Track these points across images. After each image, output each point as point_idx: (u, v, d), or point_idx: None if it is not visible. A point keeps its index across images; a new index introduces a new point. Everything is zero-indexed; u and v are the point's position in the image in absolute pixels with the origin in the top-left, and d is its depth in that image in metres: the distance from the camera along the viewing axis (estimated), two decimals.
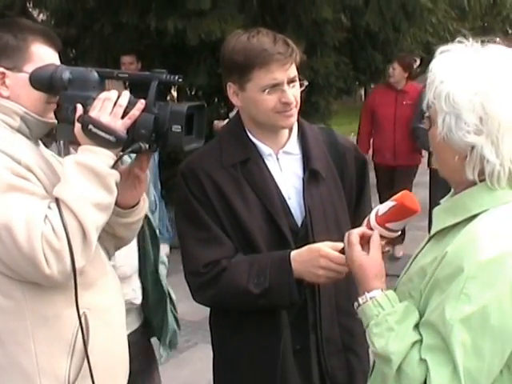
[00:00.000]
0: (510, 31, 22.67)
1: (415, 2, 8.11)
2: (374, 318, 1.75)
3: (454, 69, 1.69)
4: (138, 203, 2.13)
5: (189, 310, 5.86)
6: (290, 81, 2.19)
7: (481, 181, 1.71)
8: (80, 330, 1.89)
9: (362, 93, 20.37)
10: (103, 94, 1.91)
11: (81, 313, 1.87)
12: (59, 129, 2.00)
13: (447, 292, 1.64)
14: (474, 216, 1.70)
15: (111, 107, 1.89)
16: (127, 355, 2.13)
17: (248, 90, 2.20)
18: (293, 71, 2.20)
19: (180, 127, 1.88)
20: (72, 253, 1.76)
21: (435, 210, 1.85)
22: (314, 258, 2.11)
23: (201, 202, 2.23)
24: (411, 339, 1.70)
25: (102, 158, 1.85)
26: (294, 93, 2.20)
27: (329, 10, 7.81)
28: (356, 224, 2.34)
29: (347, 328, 2.34)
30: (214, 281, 2.20)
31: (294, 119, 2.25)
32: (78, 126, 1.89)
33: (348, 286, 2.28)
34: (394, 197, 1.96)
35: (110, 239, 2.14)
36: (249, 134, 2.28)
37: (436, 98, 1.70)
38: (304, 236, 2.23)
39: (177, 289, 2.88)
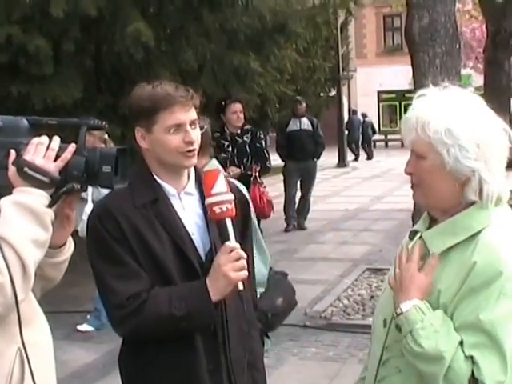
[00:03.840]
0: (321, 94, 24.35)
1: (247, 67, 8.64)
2: (418, 322, 1.93)
3: (440, 108, 1.97)
4: (65, 243, 2.25)
5: None
6: (192, 123, 2.46)
7: (472, 203, 1.99)
8: (18, 365, 1.94)
9: None
10: (35, 139, 2.04)
11: (19, 347, 1.94)
12: None
13: (484, 295, 1.89)
14: (475, 233, 1.97)
15: (44, 151, 2.03)
16: None
17: (155, 131, 2.44)
18: (193, 114, 2.48)
19: (110, 168, 2.09)
20: (14, 285, 1.84)
21: (426, 234, 2.08)
22: (217, 269, 2.35)
23: (117, 240, 2.40)
24: (457, 339, 1.91)
25: (37, 197, 1.98)
26: (195, 134, 2.48)
27: (166, 73, 8.13)
28: None
29: (249, 348, 2.60)
30: (136, 311, 2.36)
31: (194, 160, 2.51)
32: (12, 169, 2.01)
33: (246, 311, 2.57)
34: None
35: (38, 281, 2.15)
36: (155, 176, 2.52)
37: (435, 133, 1.94)
38: (209, 268, 2.44)
39: None
